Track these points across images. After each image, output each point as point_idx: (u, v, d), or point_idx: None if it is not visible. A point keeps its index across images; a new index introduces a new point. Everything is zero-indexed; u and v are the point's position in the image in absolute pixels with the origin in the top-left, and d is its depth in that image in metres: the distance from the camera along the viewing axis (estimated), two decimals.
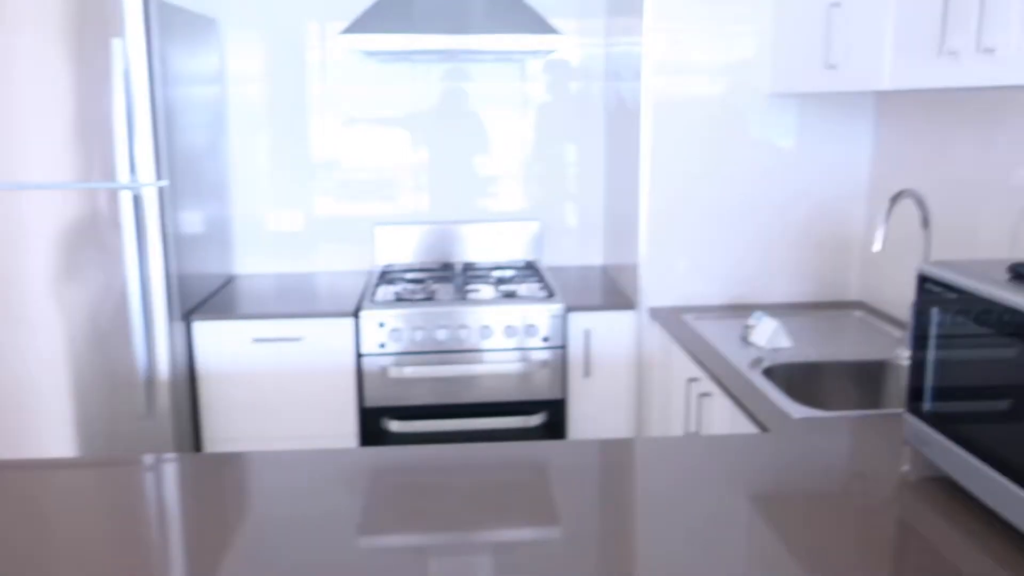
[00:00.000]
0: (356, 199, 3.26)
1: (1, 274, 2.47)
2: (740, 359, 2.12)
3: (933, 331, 1.41)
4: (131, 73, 2.39)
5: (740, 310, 2.63)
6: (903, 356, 2.13)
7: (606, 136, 3.22)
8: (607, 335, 2.75)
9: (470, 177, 3.28)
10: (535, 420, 2.72)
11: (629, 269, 2.81)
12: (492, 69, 3.20)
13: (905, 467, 1.50)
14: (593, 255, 3.38)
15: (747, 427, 1.87)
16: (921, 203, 2.10)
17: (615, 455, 1.56)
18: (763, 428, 1.71)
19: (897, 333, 2.37)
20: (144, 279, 2.49)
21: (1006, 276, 1.31)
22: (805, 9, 2.31)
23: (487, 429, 2.72)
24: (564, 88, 3.24)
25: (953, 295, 1.36)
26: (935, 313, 1.41)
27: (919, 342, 1.45)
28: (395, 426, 2.68)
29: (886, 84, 1.90)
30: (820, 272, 2.73)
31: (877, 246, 2.01)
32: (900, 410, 1.80)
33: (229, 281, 3.14)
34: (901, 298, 2.51)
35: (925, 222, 2.12)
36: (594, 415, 2.79)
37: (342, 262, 3.30)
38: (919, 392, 1.45)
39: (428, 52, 2.72)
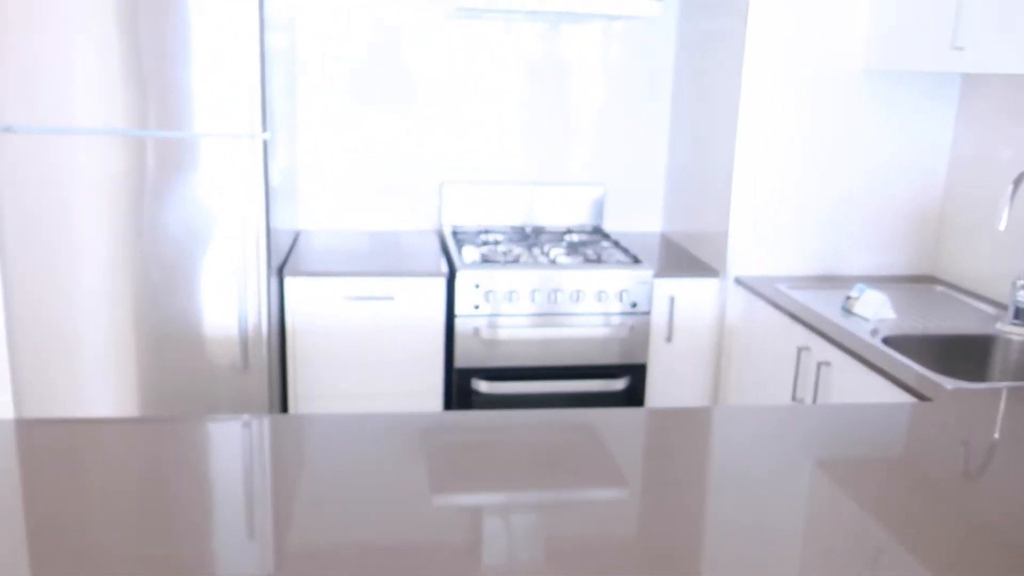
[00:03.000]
0: (421, 157, 3.23)
1: (94, 220, 2.40)
2: (854, 330, 2.19)
3: None
4: (245, 18, 2.32)
5: (827, 281, 2.71)
6: (1009, 330, 2.23)
7: (676, 104, 3.24)
8: (690, 302, 2.81)
9: (536, 139, 3.27)
10: (619, 384, 2.77)
11: (711, 237, 2.86)
12: (568, 31, 3.19)
13: None
14: (651, 222, 3.42)
15: (881, 398, 1.95)
16: None
17: (768, 421, 1.62)
18: (921, 398, 1.79)
19: (984, 307, 2.47)
20: (244, 233, 2.45)
21: None
22: None
23: (573, 392, 2.76)
24: (634, 53, 3.25)
25: None
26: None
27: None
28: (484, 387, 2.69)
29: (1021, 68, 1.96)
30: (897, 246, 2.82)
31: (1002, 225, 2.09)
32: None
33: (298, 236, 3.09)
34: (977, 273, 2.61)
35: None
36: (674, 380, 2.85)
37: (406, 220, 3.27)
38: None
39: (527, 12, 2.69)
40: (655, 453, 1.46)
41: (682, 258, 2.96)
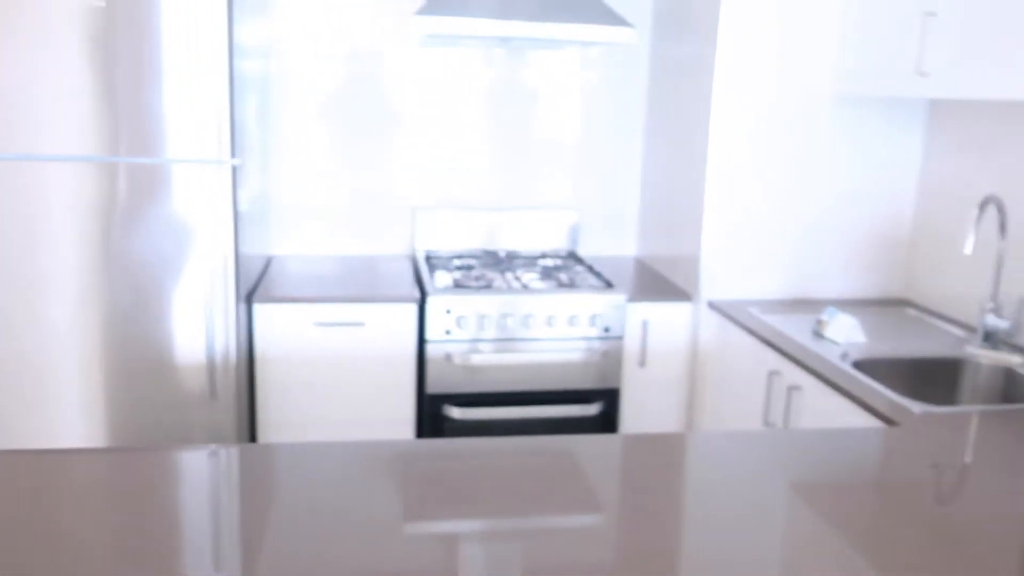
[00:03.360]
0: (394, 182, 3.22)
1: (64, 247, 2.37)
2: (824, 354, 2.19)
3: None
4: (214, 44, 2.31)
5: (799, 305, 2.71)
6: (977, 353, 2.24)
7: (649, 129, 3.26)
8: (663, 326, 2.80)
9: (511, 164, 3.28)
10: (593, 409, 2.75)
11: (684, 261, 2.86)
12: (541, 57, 3.20)
13: None
14: (626, 246, 3.42)
15: (851, 422, 1.94)
16: (1002, 210, 2.21)
17: (743, 445, 1.61)
18: (889, 422, 1.78)
19: (954, 330, 2.48)
20: (211, 259, 2.42)
21: None
22: (890, 18, 2.38)
23: (546, 417, 2.74)
24: (608, 79, 3.27)
25: None
26: None
27: None
28: (457, 413, 2.67)
29: (985, 94, 1.98)
30: (867, 269, 2.83)
31: (968, 250, 2.11)
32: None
33: (269, 261, 3.06)
34: (947, 296, 2.63)
35: (1003, 228, 2.23)
36: (647, 405, 2.84)
37: (379, 245, 3.25)
38: None
39: (501, 39, 2.70)
40: (630, 479, 1.44)
41: (656, 282, 2.96)
